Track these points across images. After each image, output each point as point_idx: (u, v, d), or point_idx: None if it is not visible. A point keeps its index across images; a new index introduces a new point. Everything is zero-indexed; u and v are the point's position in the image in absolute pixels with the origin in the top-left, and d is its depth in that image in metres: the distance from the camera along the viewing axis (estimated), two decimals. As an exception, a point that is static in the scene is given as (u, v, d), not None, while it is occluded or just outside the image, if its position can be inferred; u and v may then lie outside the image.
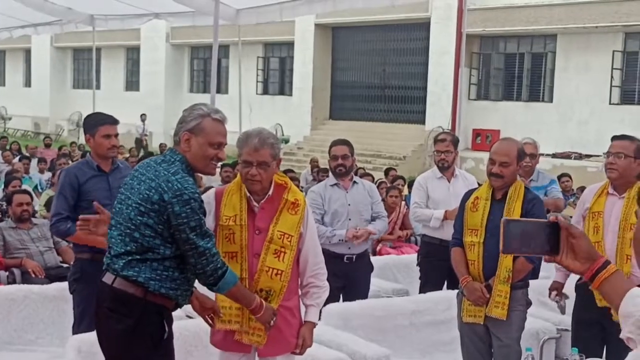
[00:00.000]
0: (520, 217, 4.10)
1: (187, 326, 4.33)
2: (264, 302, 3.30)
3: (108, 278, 3.17)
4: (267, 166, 3.38)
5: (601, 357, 4.23)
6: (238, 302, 3.30)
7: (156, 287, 3.11)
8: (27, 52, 33.96)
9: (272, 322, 3.34)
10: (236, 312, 3.40)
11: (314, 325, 3.57)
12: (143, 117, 24.28)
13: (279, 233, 3.41)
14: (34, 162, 13.83)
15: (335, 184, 5.48)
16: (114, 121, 4.66)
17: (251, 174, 3.37)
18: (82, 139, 23.75)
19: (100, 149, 4.60)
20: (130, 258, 3.12)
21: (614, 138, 4.44)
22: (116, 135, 4.64)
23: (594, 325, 4.34)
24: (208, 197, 3.46)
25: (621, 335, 1.79)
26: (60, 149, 17.59)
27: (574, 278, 4.57)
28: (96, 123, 4.61)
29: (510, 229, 1.95)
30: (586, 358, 3.74)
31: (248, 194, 3.43)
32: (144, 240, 3.10)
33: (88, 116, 4.80)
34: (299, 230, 3.46)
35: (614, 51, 18.66)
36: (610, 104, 18.87)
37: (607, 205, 4.35)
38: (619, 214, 4.27)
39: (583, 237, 1.91)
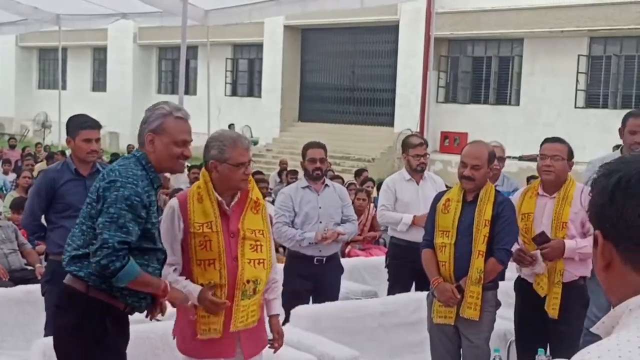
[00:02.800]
0: (491, 218, 4.16)
1: (153, 329, 4.29)
2: (169, 284, 3.25)
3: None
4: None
5: (546, 351, 4.30)
6: (145, 290, 3.19)
7: (97, 282, 3.07)
8: (-8, 52, 33.46)
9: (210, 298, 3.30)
10: (214, 320, 3.39)
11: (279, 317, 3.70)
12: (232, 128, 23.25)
13: (249, 230, 3.44)
14: (-2, 163, 13.61)
15: (307, 187, 5.46)
16: (95, 125, 4.63)
17: (247, 173, 3.41)
18: (47, 140, 23.50)
19: (80, 152, 4.58)
20: (75, 253, 3.13)
21: (546, 141, 4.56)
22: (97, 139, 4.64)
23: (535, 320, 4.46)
24: (171, 207, 3.43)
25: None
26: (24, 149, 17.35)
27: (511, 278, 4.74)
28: (78, 126, 4.58)
29: None
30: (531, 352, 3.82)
31: (219, 198, 3.41)
32: (88, 234, 3.09)
33: (71, 118, 4.74)
34: (266, 224, 3.53)
35: (579, 55, 18.93)
36: (575, 107, 19.13)
37: (538, 206, 4.48)
38: (551, 213, 4.41)
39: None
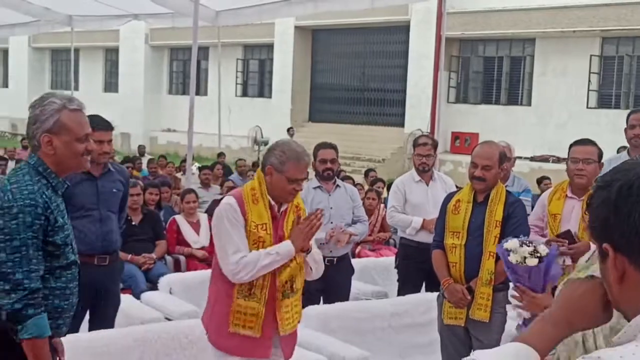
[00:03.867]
0: (502, 219, 4.14)
1: (164, 328, 4.31)
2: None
3: None
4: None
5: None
6: (32, 354, 2.71)
7: None
8: (5, 53, 33.66)
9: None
10: (250, 318, 3.40)
11: None
12: (292, 132, 21.59)
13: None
14: (12, 164, 13.69)
15: (318, 187, 5.48)
16: (107, 127, 4.63)
17: (297, 189, 3.44)
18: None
19: (91, 153, 4.58)
20: None
21: (576, 144, 4.48)
22: (109, 141, 4.63)
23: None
24: (231, 205, 3.42)
25: None
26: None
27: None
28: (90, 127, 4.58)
29: None
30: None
31: (272, 202, 3.46)
32: None
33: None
34: None
35: (591, 55, 18.84)
36: (587, 107, 19.05)
37: (566, 208, 4.45)
38: (579, 215, 4.36)
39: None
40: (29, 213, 2.65)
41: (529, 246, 2.97)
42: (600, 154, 4.42)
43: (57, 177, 2.83)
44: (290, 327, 3.47)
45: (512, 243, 2.97)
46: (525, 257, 2.91)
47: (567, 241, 4.33)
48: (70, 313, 2.90)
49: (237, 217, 3.38)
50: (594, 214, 1.25)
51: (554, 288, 3.24)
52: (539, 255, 2.94)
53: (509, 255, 2.96)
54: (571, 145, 4.48)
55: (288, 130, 20.88)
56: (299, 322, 3.57)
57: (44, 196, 2.72)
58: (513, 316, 4.57)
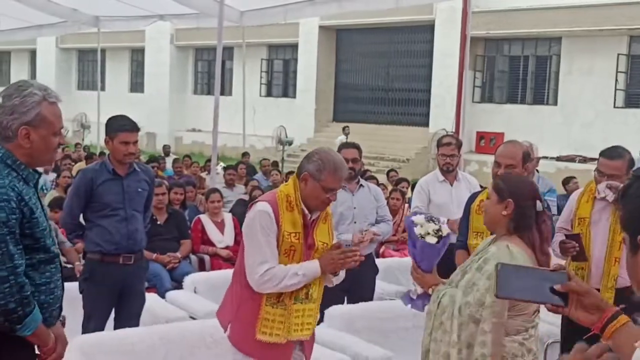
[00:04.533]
0: None
1: (189, 327, 4.34)
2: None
3: None
4: None
5: None
6: (37, 343, 2.79)
7: None
8: (33, 53, 34.04)
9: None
10: (278, 325, 3.37)
11: None
12: (347, 131, 20.83)
13: (321, 243, 3.46)
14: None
15: (342, 187, 5.47)
16: (133, 128, 4.67)
17: (332, 200, 3.40)
18: (86, 140, 23.83)
19: (117, 154, 4.65)
20: None
21: (604, 155, 4.34)
22: (135, 142, 4.68)
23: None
24: (266, 213, 3.35)
25: None
26: (63, 149, 17.60)
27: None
28: (117, 128, 4.65)
29: (504, 273, 1.92)
30: None
31: (306, 211, 3.41)
32: None
33: (111, 119, 4.78)
34: (330, 237, 3.53)
35: (618, 54, 18.64)
36: (614, 107, 18.85)
37: (596, 209, 4.34)
38: (609, 216, 4.26)
39: (590, 292, 1.86)
40: (3, 209, 2.58)
41: (435, 224, 3.09)
42: (630, 165, 4.28)
43: (27, 168, 2.74)
44: (296, 333, 3.40)
45: (419, 217, 3.10)
46: (428, 233, 3.04)
47: (575, 243, 4.27)
48: (57, 306, 2.85)
49: (271, 226, 3.32)
50: (632, 204, 1.20)
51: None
52: (440, 234, 3.06)
53: (415, 227, 3.07)
54: (600, 154, 4.37)
55: (343, 129, 20.64)
56: (309, 332, 3.46)
57: (15, 189, 2.64)
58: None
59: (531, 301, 2.04)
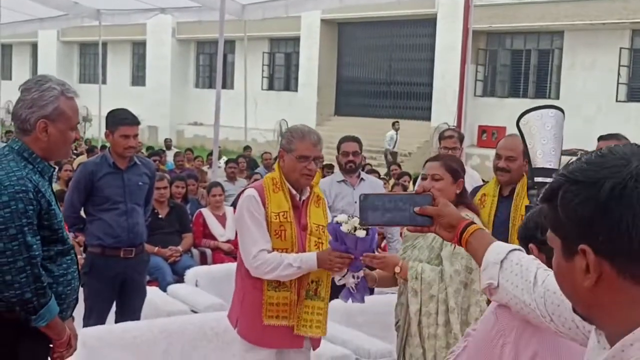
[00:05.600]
0: None
1: (190, 320, 4.34)
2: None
3: None
4: (320, 161, 3.46)
5: None
6: (52, 335, 2.82)
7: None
8: (34, 46, 34.02)
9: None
10: (283, 308, 3.38)
11: None
12: (397, 127, 20.55)
13: (314, 225, 3.47)
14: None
15: (343, 181, 5.48)
16: (134, 122, 4.67)
17: (309, 168, 3.39)
18: (88, 134, 23.83)
19: (117, 147, 4.65)
20: None
21: (602, 139, 4.41)
22: (135, 135, 4.68)
23: None
24: (252, 197, 3.39)
25: (481, 286, 1.88)
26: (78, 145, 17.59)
27: None
28: (117, 122, 4.65)
29: (368, 203, 2.00)
30: None
31: (293, 191, 3.43)
32: None
33: (111, 112, 4.79)
34: (326, 220, 3.53)
35: (621, 48, 18.60)
36: (617, 101, 18.82)
37: None
38: None
39: (443, 214, 1.97)
40: (21, 199, 2.61)
41: (357, 219, 3.15)
42: None
43: (43, 161, 2.77)
44: (304, 329, 3.40)
45: (341, 217, 3.21)
46: (355, 227, 3.13)
47: None
48: (74, 297, 2.90)
49: (258, 209, 3.36)
50: (571, 211, 1.12)
51: None
52: (367, 227, 3.16)
53: (340, 226, 3.15)
54: (598, 140, 4.44)
55: (393, 124, 20.44)
56: (320, 330, 3.45)
57: (32, 181, 2.67)
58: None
59: (396, 224, 2.16)
